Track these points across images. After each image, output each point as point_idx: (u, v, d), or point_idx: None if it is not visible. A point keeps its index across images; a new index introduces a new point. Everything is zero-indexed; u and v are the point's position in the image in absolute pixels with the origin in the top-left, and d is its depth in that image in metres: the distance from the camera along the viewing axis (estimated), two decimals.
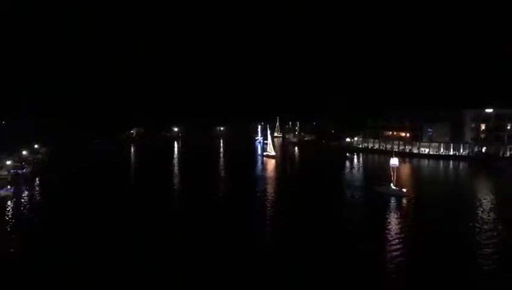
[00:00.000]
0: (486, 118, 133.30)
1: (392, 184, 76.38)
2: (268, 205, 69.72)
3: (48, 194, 77.57)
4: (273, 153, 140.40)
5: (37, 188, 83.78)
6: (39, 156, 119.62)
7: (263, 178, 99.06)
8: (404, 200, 71.34)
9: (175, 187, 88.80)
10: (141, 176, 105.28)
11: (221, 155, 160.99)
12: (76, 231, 53.00)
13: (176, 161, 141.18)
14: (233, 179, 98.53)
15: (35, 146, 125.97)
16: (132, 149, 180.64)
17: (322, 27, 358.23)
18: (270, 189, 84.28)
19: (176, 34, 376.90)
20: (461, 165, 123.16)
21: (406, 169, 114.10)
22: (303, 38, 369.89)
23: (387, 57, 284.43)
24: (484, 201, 70.60)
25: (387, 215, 62.19)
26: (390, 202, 70.53)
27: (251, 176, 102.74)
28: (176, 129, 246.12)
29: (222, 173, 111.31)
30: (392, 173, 77.74)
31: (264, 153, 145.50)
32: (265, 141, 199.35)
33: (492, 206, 67.06)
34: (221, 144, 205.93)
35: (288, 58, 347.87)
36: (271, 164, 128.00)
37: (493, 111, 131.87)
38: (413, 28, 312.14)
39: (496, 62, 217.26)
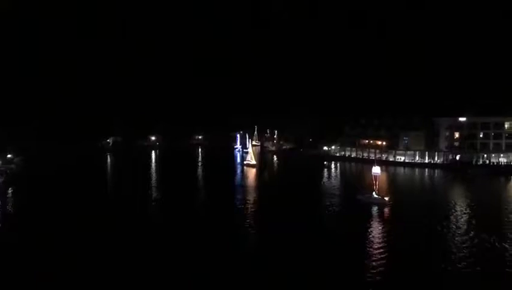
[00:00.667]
0: (460, 127, 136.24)
1: (374, 193, 76.43)
2: (249, 215, 69.48)
3: (21, 205, 75.64)
4: (253, 161, 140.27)
5: (10, 200, 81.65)
6: (13, 166, 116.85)
7: (243, 187, 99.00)
8: (387, 209, 71.49)
9: (153, 197, 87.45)
10: (118, 186, 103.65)
11: (201, 164, 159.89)
12: (46, 244, 51.66)
13: (153, 170, 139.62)
14: (213, 188, 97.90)
15: (8, 156, 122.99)
16: (109, 158, 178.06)
17: (298, 36, 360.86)
18: (250, 198, 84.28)
19: (153, 43, 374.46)
20: (436, 172, 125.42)
21: (383, 177, 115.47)
22: (280, 46, 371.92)
23: (363, 65, 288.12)
24: (462, 208, 72.18)
25: (370, 225, 62.39)
26: (372, 210, 70.70)
27: (231, 185, 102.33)
28: (153, 138, 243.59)
29: (201, 183, 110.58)
30: (374, 182, 77.80)
31: (245, 162, 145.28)
32: (244, 150, 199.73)
33: (470, 213, 68.39)
34: (200, 153, 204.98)
35: (265, 66, 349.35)
36: (251, 172, 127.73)
37: (466, 120, 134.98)
38: (389, 37, 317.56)
39: (469, 71, 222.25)
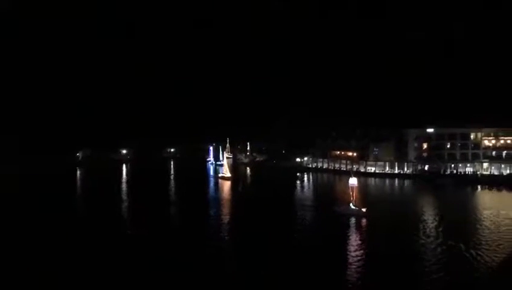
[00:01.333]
0: (428, 138, 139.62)
1: (351, 204, 76.00)
2: (225, 228, 68.82)
3: None
4: (228, 174, 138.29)
5: None
6: None
7: (218, 201, 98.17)
8: (364, 220, 71.26)
9: (125, 212, 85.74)
10: (86, 202, 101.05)
11: (173, 178, 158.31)
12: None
13: (124, 184, 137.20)
14: (188, 203, 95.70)
15: None
16: (78, 172, 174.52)
17: (267, 47, 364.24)
18: (226, 211, 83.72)
19: (123, 54, 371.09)
20: (406, 182, 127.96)
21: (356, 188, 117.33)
22: (251, 56, 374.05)
23: (332, 77, 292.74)
24: (433, 218, 73.70)
25: (349, 236, 62.61)
26: (350, 222, 70.43)
27: (205, 199, 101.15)
28: (124, 151, 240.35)
29: (174, 197, 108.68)
30: (351, 193, 77.48)
31: (219, 175, 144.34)
32: (217, 162, 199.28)
33: (442, 222, 69.46)
34: (172, 166, 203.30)
35: (236, 78, 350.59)
36: (226, 185, 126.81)
37: (434, 131, 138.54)
38: (357, 51, 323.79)
39: (434, 83, 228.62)
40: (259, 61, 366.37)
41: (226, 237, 64.33)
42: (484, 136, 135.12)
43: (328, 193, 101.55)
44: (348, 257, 51.34)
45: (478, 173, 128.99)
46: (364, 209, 74.45)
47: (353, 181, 79.53)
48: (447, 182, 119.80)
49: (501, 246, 54.07)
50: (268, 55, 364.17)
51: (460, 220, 69.41)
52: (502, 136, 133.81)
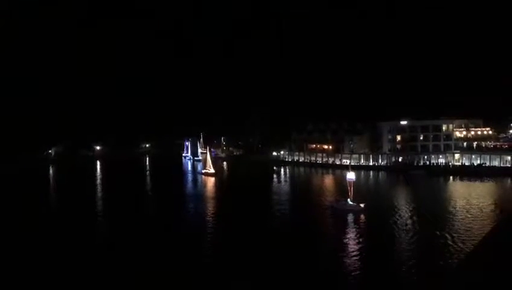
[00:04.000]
0: (402, 130, 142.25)
1: (349, 199, 73.26)
2: (222, 228, 65.13)
3: None
4: (212, 170, 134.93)
5: None
6: None
7: (208, 198, 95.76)
8: (363, 216, 68.96)
9: (102, 211, 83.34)
10: (63, 199, 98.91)
11: (149, 174, 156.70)
12: None
13: (100, 181, 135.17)
14: (172, 201, 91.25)
15: None
16: (51, 170, 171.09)
17: (242, 42, 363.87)
18: (217, 209, 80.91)
19: (101, 51, 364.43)
20: (381, 174, 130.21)
21: (330, 180, 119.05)
22: (224, 51, 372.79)
23: (306, 71, 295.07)
24: (408, 209, 75.06)
25: (351, 232, 60.71)
26: (348, 217, 68.20)
27: (193, 196, 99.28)
28: (98, 147, 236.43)
29: (154, 195, 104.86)
30: (349, 188, 74.41)
31: (203, 171, 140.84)
32: (195, 158, 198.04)
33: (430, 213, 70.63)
34: (149, 162, 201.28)
35: (209, 72, 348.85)
36: (211, 181, 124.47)
37: (407, 123, 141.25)
38: (332, 46, 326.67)
39: (407, 76, 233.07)
40: (232, 55, 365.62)
41: (225, 238, 59.49)
42: (455, 127, 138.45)
43: (318, 188, 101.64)
44: (355, 254, 49.80)
45: (450, 163, 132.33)
46: (362, 205, 71.99)
47: (351, 176, 76.98)
48: (421, 173, 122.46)
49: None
50: (242, 50, 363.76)
51: (439, 211, 70.87)
52: (472, 127, 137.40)
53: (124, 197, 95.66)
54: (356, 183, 78.17)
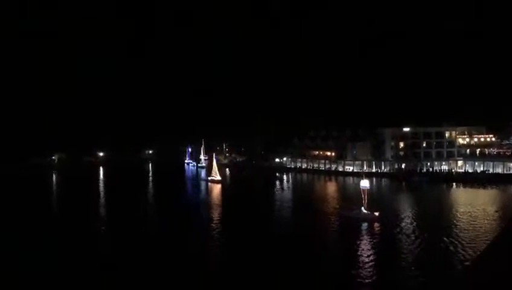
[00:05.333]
0: (404, 136, 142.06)
1: (363, 208, 70.84)
2: (229, 237, 63.39)
3: None
4: (218, 177, 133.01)
5: None
6: None
7: (216, 206, 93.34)
8: (377, 224, 66.69)
9: (110, 221, 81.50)
10: (66, 208, 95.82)
11: (155, 181, 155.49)
12: None
13: (104, 188, 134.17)
14: (184, 212, 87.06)
15: None
16: (54, 177, 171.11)
17: (246, 48, 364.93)
18: (227, 217, 79.09)
19: (98, 53, 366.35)
20: (383, 181, 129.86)
21: (334, 187, 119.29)
22: (228, 57, 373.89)
23: (309, 79, 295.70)
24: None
25: (367, 242, 58.55)
26: (362, 226, 66.24)
27: (201, 204, 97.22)
28: (101, 154, 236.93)
29: (161, 203, 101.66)
30: (363, 196, 71.76)
31: (209, 178, 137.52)
32: (198, 165, 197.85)
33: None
34: (153, 169, 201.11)
35: (212, 78, 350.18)
36: (217, 189, 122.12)
37: (410, 130, 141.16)
38: (334, 54, 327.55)
39: (410, 83, 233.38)
40: (235, 62, 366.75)
41: (238, 248, 56.69)
42: (458, 134, 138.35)
43: (325, 195, 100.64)
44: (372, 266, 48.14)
45: (453, 170, 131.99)
46: (377, 213, 69.82)
47: (364, 183, 74.83)
48: (423, 180, 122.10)
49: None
50: (245, 56, 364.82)
51: (446, 219, 70.79)
52: (475, 134, 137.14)
53: (129, 206, 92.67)
54: (359, 190, 76.68)
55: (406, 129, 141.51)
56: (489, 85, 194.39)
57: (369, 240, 59.96)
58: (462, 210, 78.71)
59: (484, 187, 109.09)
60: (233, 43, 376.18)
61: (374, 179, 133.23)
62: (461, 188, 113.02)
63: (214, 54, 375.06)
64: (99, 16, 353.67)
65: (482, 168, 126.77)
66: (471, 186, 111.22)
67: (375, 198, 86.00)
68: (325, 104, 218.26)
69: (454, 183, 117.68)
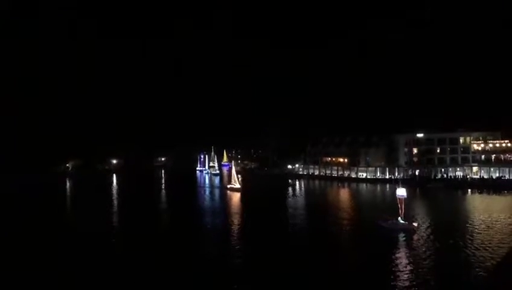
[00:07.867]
0: (418, 142, 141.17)
1: (399, 218, 67.43)
2: (256, 248, 59.48)
3: None
4: (237, 185, 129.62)
5: None
6: None
7: (236, 214, 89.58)
8: (416, 236, 62.23)
9: (119, 229, 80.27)
10: (81, 216, 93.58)
11: (170, 189, 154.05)
12: None
13: (117, 196, 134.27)
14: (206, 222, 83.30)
15: None
16: (68, 184, 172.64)
17: (257, 55, 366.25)
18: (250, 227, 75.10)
19: (110, 59, 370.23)
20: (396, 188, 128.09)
21: (346, 193, 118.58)
22: (240, 64, 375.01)
23: (321, 85, 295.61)
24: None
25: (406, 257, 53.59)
26: (398, 238, 62.01)
27: (223, 213, 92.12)
28: (114, 161, 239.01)
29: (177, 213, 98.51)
30: (399, 205, 68.15)
31: (228, 186, 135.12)
32: (213, 172, 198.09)
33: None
34: (167, 176, 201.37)
35: (223, 86, 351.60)
36: (236, 197, 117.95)
37: (424, 136, 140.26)
38: (345, 57, 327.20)
39: (424, 89, 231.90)
40: (249, 69, 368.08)
41: (265, 261, 52.66)
42: (473, 140, 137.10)
43: (348, 203, 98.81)
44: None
45: (468, 176, 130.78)
46: (415, 224, 66.98)
47: (401, 192, 70.41)
48: (438, 186, 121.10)
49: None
50: (259, 63, 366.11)
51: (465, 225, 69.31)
52: (490, 140, 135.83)
53: (146, 216, 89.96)
54: (376, 196, 74.97)
55: (420, 135, 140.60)
56: (505, 90, 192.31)
57: (414, 254, 54.02)
58: (479, 217, 76.67)
59: (500, 193, 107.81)
60: (244, 49, 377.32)
61: (388, 186, 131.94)
62: (477, 194, 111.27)
63: (232, 62, 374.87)
64: (104, 18, 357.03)
65: (497, 174, 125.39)
66: (487, 193, 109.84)
67: (392, 206, 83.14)
68: (339, 110, 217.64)
69: (469, 190, 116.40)
